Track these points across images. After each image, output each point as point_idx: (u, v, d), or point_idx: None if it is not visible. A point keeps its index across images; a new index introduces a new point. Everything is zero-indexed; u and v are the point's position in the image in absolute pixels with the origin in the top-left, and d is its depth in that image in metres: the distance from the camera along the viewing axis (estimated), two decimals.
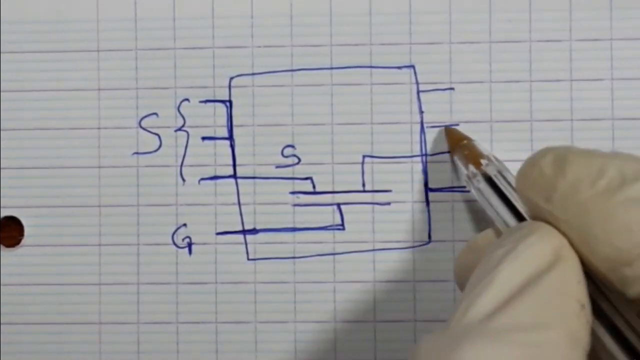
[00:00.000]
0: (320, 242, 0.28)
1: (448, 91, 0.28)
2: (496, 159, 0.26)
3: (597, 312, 0.19)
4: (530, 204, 0.20)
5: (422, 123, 0.28)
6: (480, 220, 0.28)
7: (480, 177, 0.25)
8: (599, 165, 0.19)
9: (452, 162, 0.27)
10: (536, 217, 0.20)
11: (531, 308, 0.17)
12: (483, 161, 0.25)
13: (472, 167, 0.25)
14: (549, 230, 0.19)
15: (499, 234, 0.23)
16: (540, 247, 0.18)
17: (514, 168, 0.27)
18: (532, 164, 0.20)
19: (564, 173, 0.19)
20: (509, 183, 0.24)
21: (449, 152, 0.28)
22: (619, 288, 0.18)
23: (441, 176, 0.28)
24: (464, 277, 0.23)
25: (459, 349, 0.17)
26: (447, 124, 0.28)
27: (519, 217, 0.23)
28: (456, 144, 0.27)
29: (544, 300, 0.17)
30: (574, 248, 0.19)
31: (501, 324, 0.17)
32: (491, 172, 0.25)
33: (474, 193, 0.25)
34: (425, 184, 0.28)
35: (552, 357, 0.17)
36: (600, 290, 0.19)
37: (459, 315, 0.18)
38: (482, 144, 0.27)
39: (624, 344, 0.18)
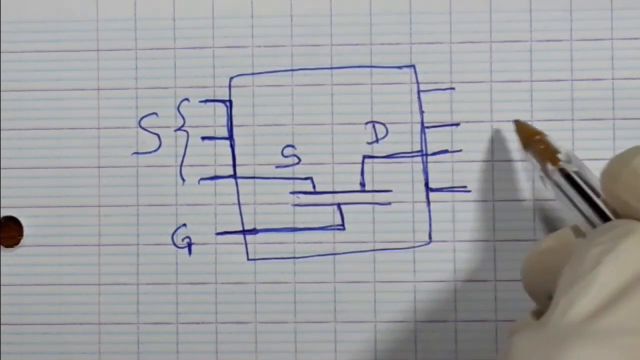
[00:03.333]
0: (321, 242, 0.28)
1: (448, 91, 0.28)
2: (574, 154, 0.25)
3: None
4: (620, 203, 0.20)
5: (422, 123, 0.28)
6: (481, 220, 0.28)
7: (558, 174, 0.24)
8: None
9: (526, 158, 0.27)
10: (625, 217, 0.20)
11: (634, 311, 0.17)
12: (560, 156, 0.25)
13: (549, 164, 0.25)
14: None
15: (578, 233, 0.23)
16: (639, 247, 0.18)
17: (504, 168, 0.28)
18: (623, 163, 0.20)
19: None
20: (584, 180, 0.24)
21: (522, 147, 0.27)
22: None
23: (442, 176, 0.28)
24: (535, 280, 0.23)
25: (562, 349, 0.16)
26: (447, 123, 0.28)
27: (602, 216, 0.22)
28: (529, 139, 0.26)
29: None
30: None
31: (604, 326, 0.17)
32: (571, 168, 0.24)
33: (550, 189, 0.25)
34: (426, 183, 0.28)
35: None
36: None
37: (558, 315, 0.17)
38: (555, 139, 0.26)
39: None
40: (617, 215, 0.21)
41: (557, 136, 0.28)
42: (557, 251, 0.22)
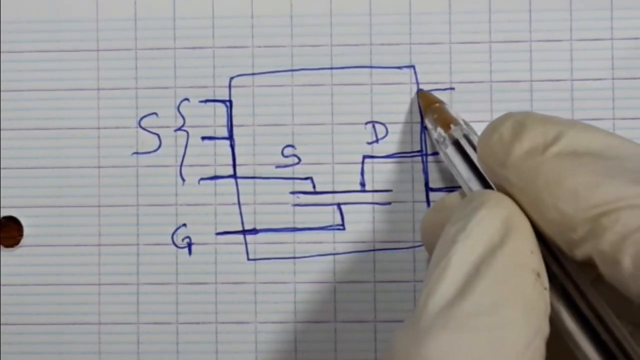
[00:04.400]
0: (321, 242, 0.28)
1: (448, 91, 0.28)
2: (465, 122, 0.25)
3: (550, 277, 0.18)
4: (487, 168, 0.20)
5: (422, 123, 0.28)
6: None
7: (448, 141, 0.25)
8: (555, 133, 0.19)
9: (423, 125, 0.27)
10: (495, 183, 0.20)
11: (488, 288, 0.17)
12: (452, 125, 0.25)
13: (440, 130, 0.25)
14: (497, 201, 0.19)
15: (464, 197, 0.23)
16: (490, 221, 0.18)
17: None
18: (492, 128, 0.20)
19: (521, 138, 0.19)
20: (474, 148, 0.24)
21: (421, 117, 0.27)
22: (567, 252, 0.18)
23: (442, 176, 0.28)
24: (429, 238, 0.23)
25: (424, 343, 0.17)
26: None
27: (484, 182, 0.22)
28: (428, 106, 0.27)
29: (499, 277, 0.17)
30: (526, 215, 0.19)
31: (461, 310, 0.17)
32: (457, 135, 0.24)
33: (442, 157, 0.25)
34: (426, 183, 0.28)
35: (513, 336, 0.17)
36: (554, 256, 0.19)
37: (421, 306, 0.17)
38: (453, 108, 0.27)
39: (574, 308, 0.18)
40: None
41: None
42: (447, 210, 0.23)
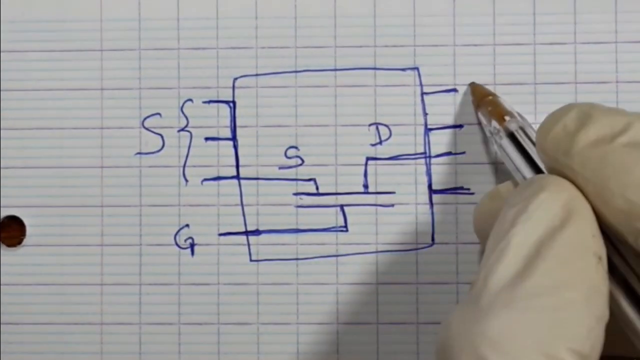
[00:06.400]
0: (323, 244, 0.28)
1: (452, 93, 0.28)
2: (520, 115, 0.25)
3: (610, 267, 0.19)
4: (548, 157, 0.20)
5: (425, 125, 0.28)
6: None
7: (502, 133, 0.25)
8: (623, 123, 0.19)
9: (477, 119, 0.27)
10: (553, 172, 0.20)
11: (550, 269, 0.17)
12: (506, 117, 0.25)
13: (495, 123, 0.25)
14: (558, 184, 0.19)
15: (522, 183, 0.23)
16: (551, 203, 0.18)
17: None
18: (555, 118, 0.20)
19: (587, 128, 0.19)
20: (530, 139, 0.24)
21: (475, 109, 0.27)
22: (631, 242, 0.18)
23: (445, 178, 0.28)
24: (483, 225, 0.23)
25: (485, 321, 0.17)
26: (451, 125, 0.28)
27: (540, 174, 0.22)
28: (481, 99, 0.27)
29: (561, 259, 0.17)
30: (589, 202, 0.19)
31: (522, 290, 0.17)
32: (513, 127, 0.24)
33: (496, 149, 0.25)
34: (429, 185, 0.28)
35: (576, 317, 0.17)
36: (614, 246, 0.19)
37: (480, 286, 0.17)
38: (507, 101, 0.27)
39: (634, 298, 0.18)
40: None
41: None
42: (501, 198, 0.23)
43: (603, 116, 0.19)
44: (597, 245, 0.18)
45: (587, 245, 0.18)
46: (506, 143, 0.24)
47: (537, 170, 0.23)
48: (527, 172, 0.23)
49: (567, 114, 0.20)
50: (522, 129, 0.24)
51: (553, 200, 0.18)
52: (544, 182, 0.19)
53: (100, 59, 0.29)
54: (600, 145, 0.18)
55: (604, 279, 0.18)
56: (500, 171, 0.28)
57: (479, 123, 0.27)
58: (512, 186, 0.24)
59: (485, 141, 0.28)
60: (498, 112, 0.25)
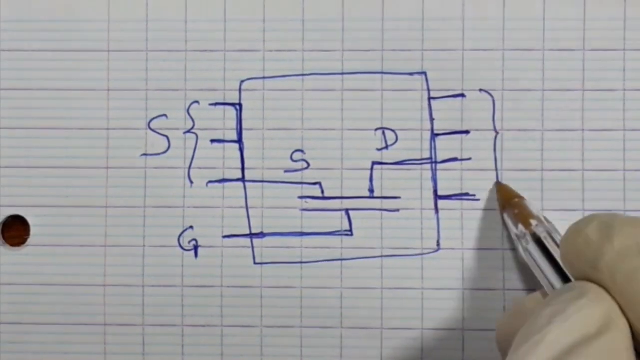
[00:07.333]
0: (328, 248, 0.28)
1: (459, 98, 0.28)
2: (547, 220, 0.25)
3: None
4: (575, 270, 0.20)
5: (432, 130, 0.28)
6: (489, 229, 0.28)
7: (529, 238, 0.25)
8: None
9: (502, 219, 0.27)
10: (580, 280, 0.20)
11: None
12: (533, 221, 0.25)
13: (521, 227, 0.25)
14: (599, 294, 0.19)
15: (551, 292, 0.23)
16: (590, 311, 0.18)
17: (524, 185, 0.27)
18: (577, 231, 0.20)
19: (612, 241, 0.19)
20: (557, 244, 0.24)
21: (501, 209, 0.27)
22: None
23: (450, 184, 0.28)
24: (506, 341, 0.23)
25: None
26: (457, 131, 0.28)
27: (568, 281, 0.23)
28: (507, 201, 0.27)
29: None
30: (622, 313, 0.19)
31: None
32: (541, 233, 0.25)
33: (521, 253, 0.25)
34: (435, 191, 0.28)
35: None
36: None
37: None
38: (534, 203, 0.27)
39: None
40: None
41: (568, 146, 0.28)
42: (524, 314, 0.23)
43: (625, 227, 0.19)
44: (629, 359, 0.18)
45: (619, 357, 0.18)
46: (533, 248, 0.24)
47: (563, 276, 0.23)
48: (554, 278, 0.23)
49: (588, 226, 0.20)
50: (550, 234, 0.24)
51: (592, 308, 0.18)
52: (584, 289, 0.19)
53: (107, 59, 0.29)
54: (628, 260, 0.19)
55: None
56: (505, 178, 0.28)
57: (504, 223, 0.27)
58: (539, 299, 0.24)
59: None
60: (524, 215, 0.26)
